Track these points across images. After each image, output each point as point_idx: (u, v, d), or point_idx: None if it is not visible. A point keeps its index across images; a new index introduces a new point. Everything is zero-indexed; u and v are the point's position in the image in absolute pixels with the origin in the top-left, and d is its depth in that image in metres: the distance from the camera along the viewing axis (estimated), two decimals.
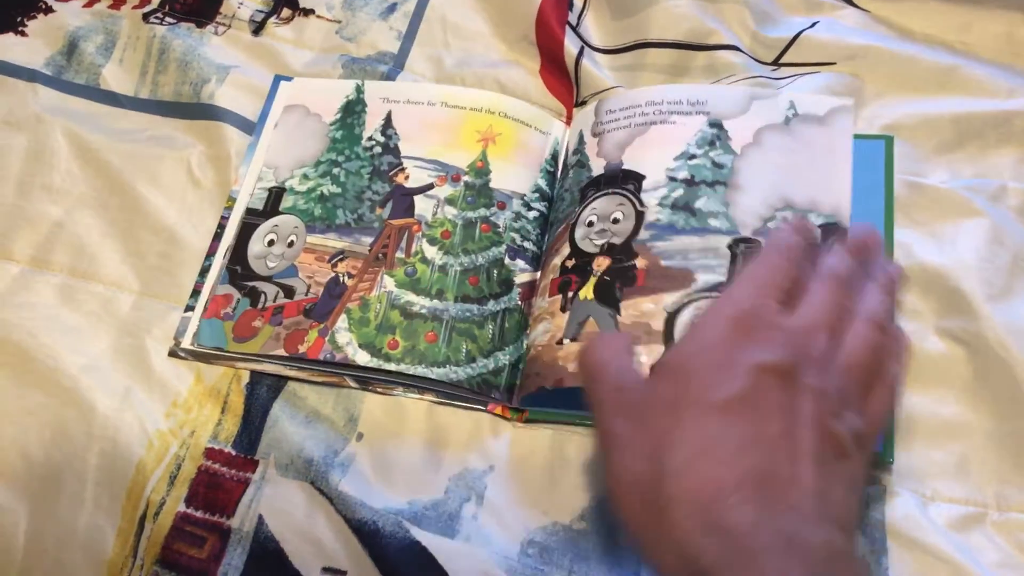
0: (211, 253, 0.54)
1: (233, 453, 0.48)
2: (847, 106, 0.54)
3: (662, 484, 0.35)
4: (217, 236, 0.54)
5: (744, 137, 0.53)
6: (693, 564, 0.33)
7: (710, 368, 0.37)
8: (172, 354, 0.51)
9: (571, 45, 0.60)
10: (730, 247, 0.50)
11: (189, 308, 0.52)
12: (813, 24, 0.61)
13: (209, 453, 0.48)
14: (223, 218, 0.55)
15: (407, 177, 0.55)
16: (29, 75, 0.60)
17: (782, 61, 0.60)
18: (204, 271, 0.53)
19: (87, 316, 0.52)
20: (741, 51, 0.60)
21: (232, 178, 0.56)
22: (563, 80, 0.61)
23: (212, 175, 0.56)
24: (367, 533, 0.45)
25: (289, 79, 0.60)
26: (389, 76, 0.60)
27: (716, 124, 0.54)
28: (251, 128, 0.58)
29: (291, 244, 0.54)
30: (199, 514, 0.46)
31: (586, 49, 0.60)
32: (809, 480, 0.35)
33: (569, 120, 0.59)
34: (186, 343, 0.51)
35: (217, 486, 0.47)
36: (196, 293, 0.52)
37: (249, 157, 0.57)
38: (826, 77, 0.58)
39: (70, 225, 0.54)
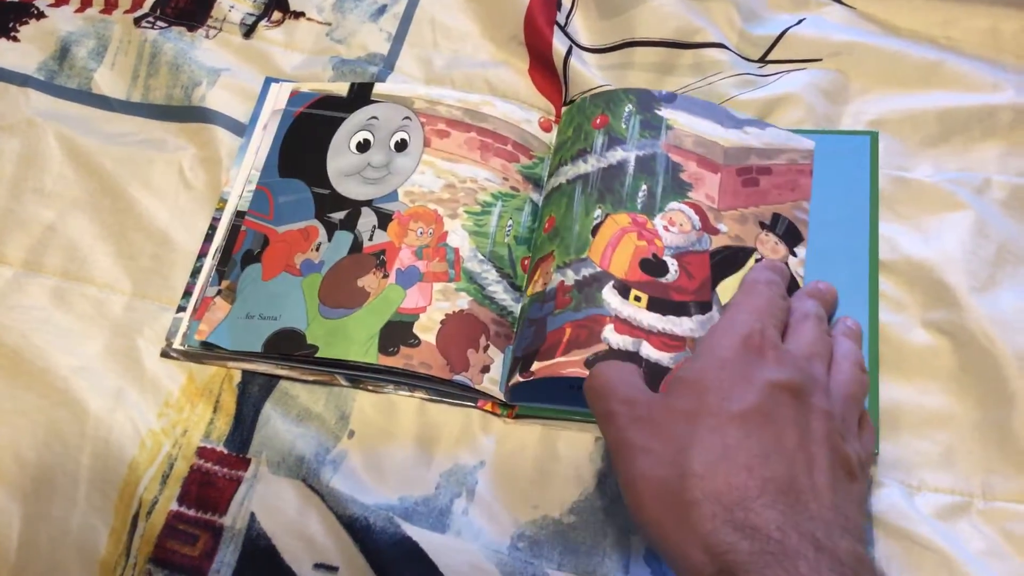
0: (203, 254, 0.54)
1: (225, 452, 0.48)
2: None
3: (685, 487, 0.36)
4: (208, 238, 0.55)
5: None
6: (721, 559, 0.34)
7: (726, 382, 0.39)
8: (164, 355, 0.51)
9: (559, 45, 0.60)
10: None
11: (181, 309, 0.52)
12: (799, 21, 0.62)
13: (201, 452, 0.48)
14: (214, 219, 0.55)
15: None
16: (21, 80, 0.61)
17: (769, 58, 0.61)
18: (196, 272, 0.53)
19: (79, 318, 0.52)
20: (728, 49, 0.60)
21: (223, 180, 0.56)
22: (552, 79, 0.61)
23: (204, 177, 0.57)
24: (358, 529, 0.45)
25: (279, 81, 0.61)
26: (379, 77, 0.61)
27: None
28: (242, 130, 0.58)
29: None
30: (191, 512, 0.47)
31: (574, 48, 0.61)
32: (827, 493, 0.37)
33: (558, 119, 0.60)
34: (177, 343, 0.51)
35: (209, 484, 0.47)
36: (188, 294, 0.53)
37: (240, 159, 0.57)
38: (812, 74, 0.59)
39: (62, 228, 0.55)
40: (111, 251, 0.54)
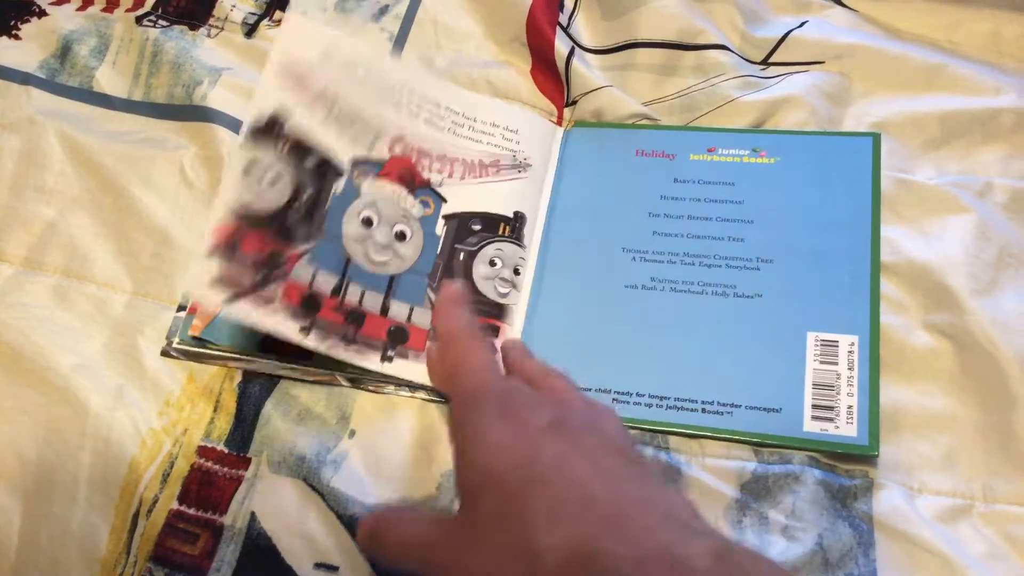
0: None
1: (226, 451, 0.48)
2: None
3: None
4: None
5: None
6: None
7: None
8: (164, 353, 0.51)
9: (561, 45, 0.60)
10: None
11: (181, 308, 0.52)
12: (802, 24, 0.62)
13: (202, 451, 0.48)
14: None
15: None
16: (23, 78, 0.61)
17: (771, 60, 0.61)
18: None
19: (80, 316, 0.52)
20: (730, 51, 0.60)
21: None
22: (554, 80, 0.61)
23: (205, 176, 0.57)
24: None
25: None
26: None
27: None
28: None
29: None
30: (192, 511, 0.47)
31: (576, 50, 0.61)
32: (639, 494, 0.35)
33: (560, 120, 0.59)
34: (177, 343, 0.51)
35: (210, 484, 0.47)
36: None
37: None
38: (814, 76, 0.59)
39: (63, 226, 0.55)
40: (112, 249, 0.54)
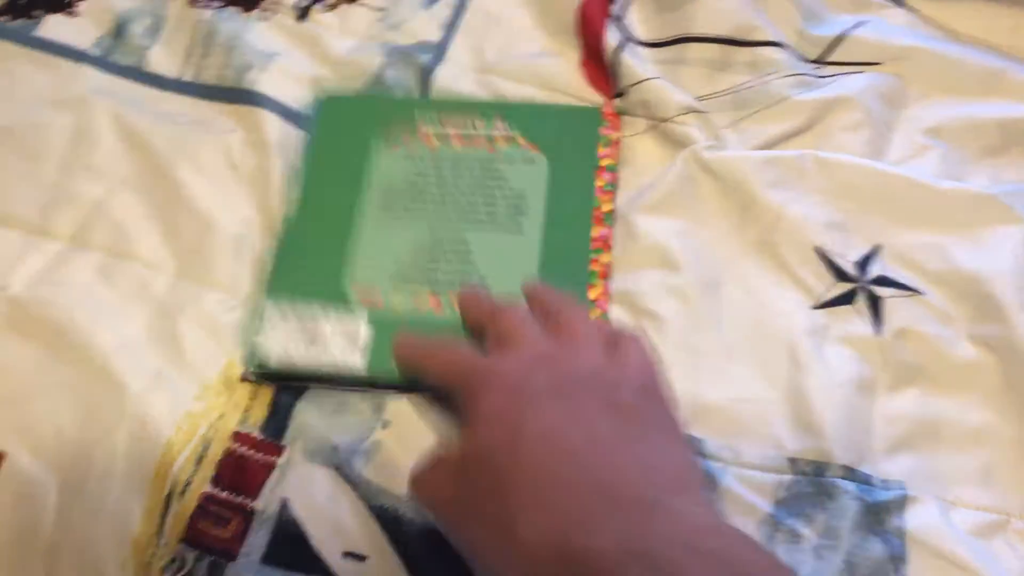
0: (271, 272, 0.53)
1: (260, 437, 0.48)
2: None
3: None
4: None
5: None
6: None
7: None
8: (244, 379, 0.50)
9: (611, 37, 0.59)
10: None
11: (255, 330, 0.51)
12: (860, 23, 0.60)
13: (236, 436, 0.48)
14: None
15: None
16: (77, 56, 0.61)
17: (827, 60, 0.59)
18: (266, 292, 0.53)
19: (123, 295, 0.52)
20: (785, 48, 0.59)
21: (271, 162, 0.56)
22: (604, 72, 0.60)
23: (251, 161, 0.57)
24: (389, 520, 0.45)
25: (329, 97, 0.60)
26: (429, 66, 0.60)
27: None
28: (291, 116, 0.58)
29: None
30: (224, 495, 0.47)
31: (627, 42, 0.60)
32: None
33: (608, 114, 0.59)
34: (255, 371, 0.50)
35: (243, 468, 0.47)
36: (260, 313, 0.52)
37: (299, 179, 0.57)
38: (870, 77, 0.57)
39: (110, 205, 0.55)
40: (157, 230, 0.55)
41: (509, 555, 0.35)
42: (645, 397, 0.40)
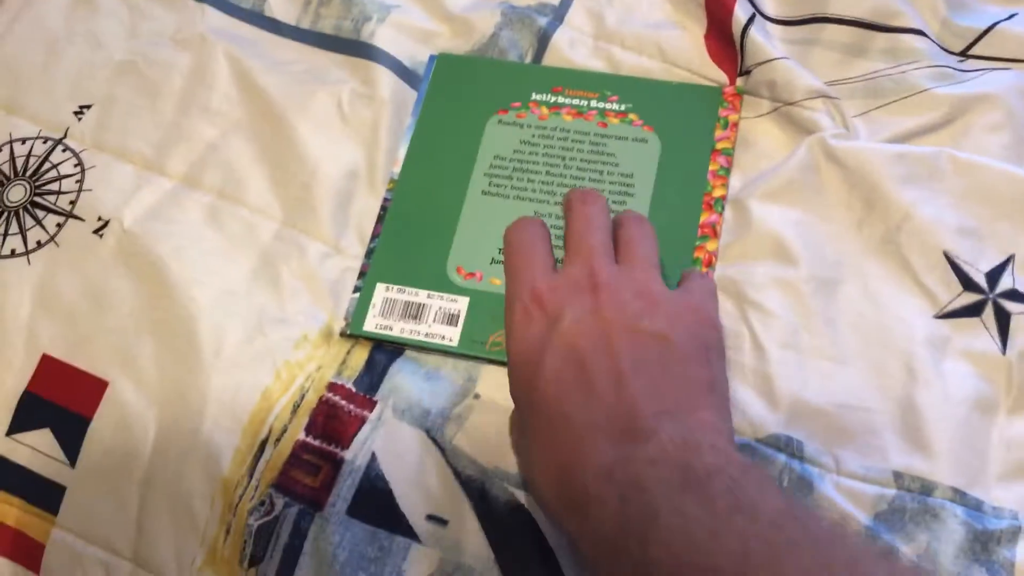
0: (376, 235, 0.53)
1: (354, 390, 0.49)
2: None
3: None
4: (380, 219, 0.54)
5: None
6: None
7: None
8: (342, 334, 0.51)
9: (741, 12, 0.57)
10: None
11: (357, 289, 0.52)
12: (1011, 16, 0.56)
13: (331, 387, 0.49)
14: (385, 200, 0.55)
15: None
16: None
17: (971, 53, 0.56)
18: (369, 253, 0.53)
19: (230, 238, 0.53)
20: (927, 37, 0.56)
21: (381, 118, 0.56)
22: (728, 48, 0.58)
23: (361, 114, 0.56)
24: (474, 490, 0.45)
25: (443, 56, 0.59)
26: (547, 29, 0.59)
27: None
28: (405, 73, 0.58)
29: None
30: (316, 443, 0.47)
31: (757, 17, 0.57)
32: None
33: (729, 94, 0.56)
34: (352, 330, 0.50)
35: (335, 418, 0.48)
36: (364, 274, 0.52)
37: (407, 138, 0.56)
38: (1018, 75, 0.53)
39: (223, 148, 0.56)
40: (266, 175, 0.55)
41: (536, 491, 0.42)
42: (684, 328, 0.41)
